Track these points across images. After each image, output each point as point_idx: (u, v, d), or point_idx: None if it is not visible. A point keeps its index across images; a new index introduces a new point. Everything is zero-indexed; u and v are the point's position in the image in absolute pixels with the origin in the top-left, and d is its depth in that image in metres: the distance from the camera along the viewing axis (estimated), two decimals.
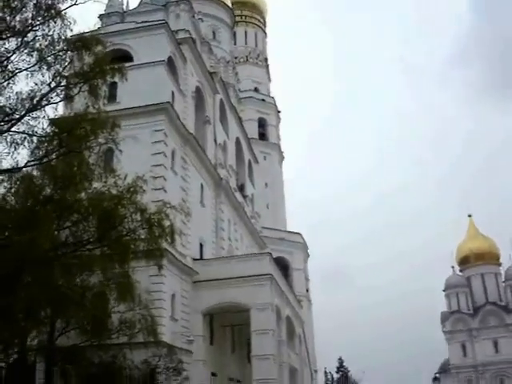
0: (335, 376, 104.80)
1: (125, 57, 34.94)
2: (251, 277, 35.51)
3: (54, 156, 16.48)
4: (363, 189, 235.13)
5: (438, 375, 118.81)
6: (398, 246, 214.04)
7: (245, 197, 54.49)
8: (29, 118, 16.28)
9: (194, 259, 37.16)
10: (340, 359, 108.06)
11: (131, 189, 15.66)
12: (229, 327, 41.41)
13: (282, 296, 40.17)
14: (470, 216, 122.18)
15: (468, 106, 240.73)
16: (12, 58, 16.15)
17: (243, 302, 35.10)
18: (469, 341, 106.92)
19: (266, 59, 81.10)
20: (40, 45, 16.18)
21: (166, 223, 16.18)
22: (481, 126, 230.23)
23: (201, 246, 40.24)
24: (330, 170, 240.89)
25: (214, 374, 37.08)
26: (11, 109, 16.08)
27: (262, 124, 74.11)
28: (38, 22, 15.97)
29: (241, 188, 53.91)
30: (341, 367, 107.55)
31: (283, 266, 59.48)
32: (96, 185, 16.48)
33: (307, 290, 68.21)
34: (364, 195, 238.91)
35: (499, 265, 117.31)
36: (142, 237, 15.89)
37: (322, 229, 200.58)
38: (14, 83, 16.25)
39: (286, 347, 39.60)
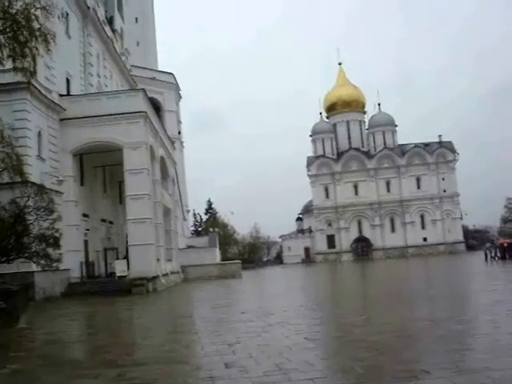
0: (204, 217, 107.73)
1: None
2: (124, 114, 33.46)
3: None
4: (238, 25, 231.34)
5: (301, 215, 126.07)
6: (270, 91, 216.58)
7: (114, 31, 50.57)
8: None
9: (61, 95, 34.23)
10: (209, 201, 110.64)
11: None
12: (100, 168, 39.76)
13: (155, 136, 38.70)
14: (340, 64, 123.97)
15: None
16: None
17: (115, 141, 33.25)
18: (332, 184, 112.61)
19: None
20: None
21: (36, 25, 13.56)
22: None
23: (67, 81, 37.20)
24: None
25: (85, 215, 35.92)
26: None
27: None
28: None
29: (110, 21, 49.79)
30: (209, 209, 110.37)
31: (155, 107, 57.24)
32: None
33: (179, 133, 67.11)
34: (237, 33, 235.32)
35: (364, 113, 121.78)
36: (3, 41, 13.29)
37: (195, 68, 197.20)
38: None
39: (160, 187, 38.86)
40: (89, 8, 40.71)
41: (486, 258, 47.77)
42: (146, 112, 34.46)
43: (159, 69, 67.52)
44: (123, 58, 52.90)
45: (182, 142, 68.05)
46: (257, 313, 16.35)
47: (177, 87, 67.28)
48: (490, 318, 11.74)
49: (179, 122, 68.33)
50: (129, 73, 54.72)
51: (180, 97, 69.52)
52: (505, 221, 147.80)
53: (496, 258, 47.29)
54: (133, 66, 57.93)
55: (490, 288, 20.34)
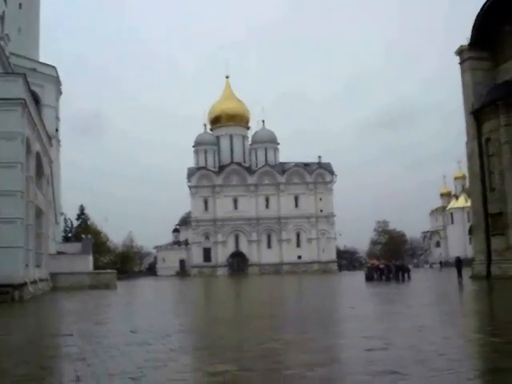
0: (75, 223, 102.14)
1: None
2: None
3: None
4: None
5: (178, 227, 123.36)
6: (156, 98, 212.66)
7: None
8: None
9: None
10: (81, 206, 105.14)
11: None
12: None
13: (33, 128, 35.03)
14: (227, 77, 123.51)
15: None
16: None
17: None
18: (211, 196, 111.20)
19: None
20: None
21: None
22: None
23: None
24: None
25: None
26: None
27: None
28: None
29: None
30: (82, 214, 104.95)
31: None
32: None
33: (57, 130, 62.52)
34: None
35: (248, 128, 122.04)
36: None
37: (79, 70, 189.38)
38: None
39: (33, 185, 35.18)
40: None
41: (369, 279, 47.72)
42: (24, 100, 30.93)
43: (41, 60, 62.68)
44: (2, 43, 48.33)
45: (59, 141, 63.46)
46: (150, 333, 14.02)
47: (58, 82, 62.78)
48: (434, 348, 10.24)
49: (57, 118, 63.73)
50: (7, 60, 50.06)
51: (60, 92, 64.94)
52: (374, 243, 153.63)
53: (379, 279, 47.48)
54: (12, 53, 53.20)
55: (401, 310, 19.29)
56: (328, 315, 18.22)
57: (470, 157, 45.60)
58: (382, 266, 49.73)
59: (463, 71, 46.26)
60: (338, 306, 22.62)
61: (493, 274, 41.97)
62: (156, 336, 13.20)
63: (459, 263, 43.51)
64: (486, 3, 44.38)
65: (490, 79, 45.03)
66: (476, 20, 45.02)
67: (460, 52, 46.58)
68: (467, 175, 54.38)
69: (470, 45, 45.69)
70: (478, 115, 44.22)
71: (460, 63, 46.63)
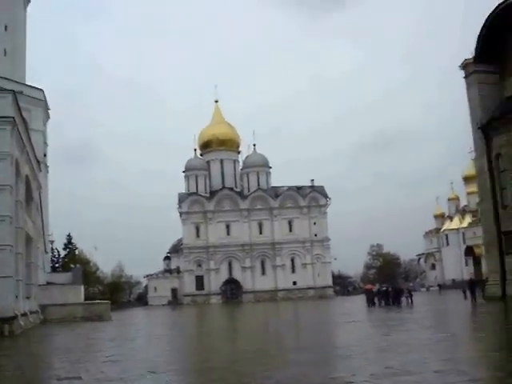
0: (62, 253, 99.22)
1: None
2: None
3: None
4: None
5: (169, 254, 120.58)
6: (146, 129, 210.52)
7: None
8: None
9: None
10: (69, 235, 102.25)
11: None
12: None
13: (22, 150, 32.85)
14: (216, 102, 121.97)
15: None
16: None
17: None
18: (203, 223, 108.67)
19: None
20: None
21: None
22: None
23: None
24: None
25: None
26: None
27: None
28: None
29: None
30: (69, 244, 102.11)
31: None
32: None
33: (45, 155, 60.12)
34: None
35: (238, 152, 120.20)
36: None
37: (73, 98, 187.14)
38: None
39: (23, 211, 32.84)
40: None
41: (372, 304, 45.65)
42: (13, 118, 28.79)
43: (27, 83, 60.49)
44: None
45: (47, 166, 61.09)
46: (172, 372, 11.75)
47: (46, 105, 60.57)
48: None
49: (45, 143, 61.37)
50: None
51: (48, 116, 62.79)
52: (368, 267, 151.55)
53: (381, 304, 45.47)
54: None
55: (444, 338, 17.13)
56: (368, 346, 15.97)
57: (479, 173, 43.84)
58: (390, 290, 47.45)
59: (469, 85, 44.65)
60: (369, 334, 20.30)
61: (508, 295, 39.88)
62: (182, 377, 10.96)
63: (472, 284, 41.55)
64: (490, 16, 42.99)
65: (497, 93, 43.45)
66: (480, 33, 43.53)
67: (465, 66, 45.04)
68: (477, 192, 52.48)
69: (475, 58, 44.14)
70: (486, 130, 42.53)
71: (465, 77, 45.05)
